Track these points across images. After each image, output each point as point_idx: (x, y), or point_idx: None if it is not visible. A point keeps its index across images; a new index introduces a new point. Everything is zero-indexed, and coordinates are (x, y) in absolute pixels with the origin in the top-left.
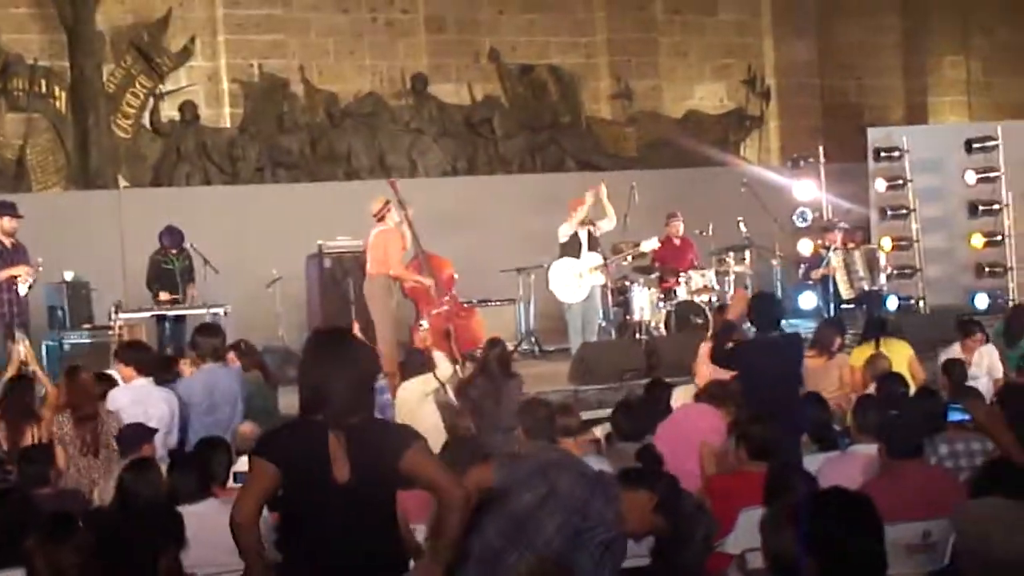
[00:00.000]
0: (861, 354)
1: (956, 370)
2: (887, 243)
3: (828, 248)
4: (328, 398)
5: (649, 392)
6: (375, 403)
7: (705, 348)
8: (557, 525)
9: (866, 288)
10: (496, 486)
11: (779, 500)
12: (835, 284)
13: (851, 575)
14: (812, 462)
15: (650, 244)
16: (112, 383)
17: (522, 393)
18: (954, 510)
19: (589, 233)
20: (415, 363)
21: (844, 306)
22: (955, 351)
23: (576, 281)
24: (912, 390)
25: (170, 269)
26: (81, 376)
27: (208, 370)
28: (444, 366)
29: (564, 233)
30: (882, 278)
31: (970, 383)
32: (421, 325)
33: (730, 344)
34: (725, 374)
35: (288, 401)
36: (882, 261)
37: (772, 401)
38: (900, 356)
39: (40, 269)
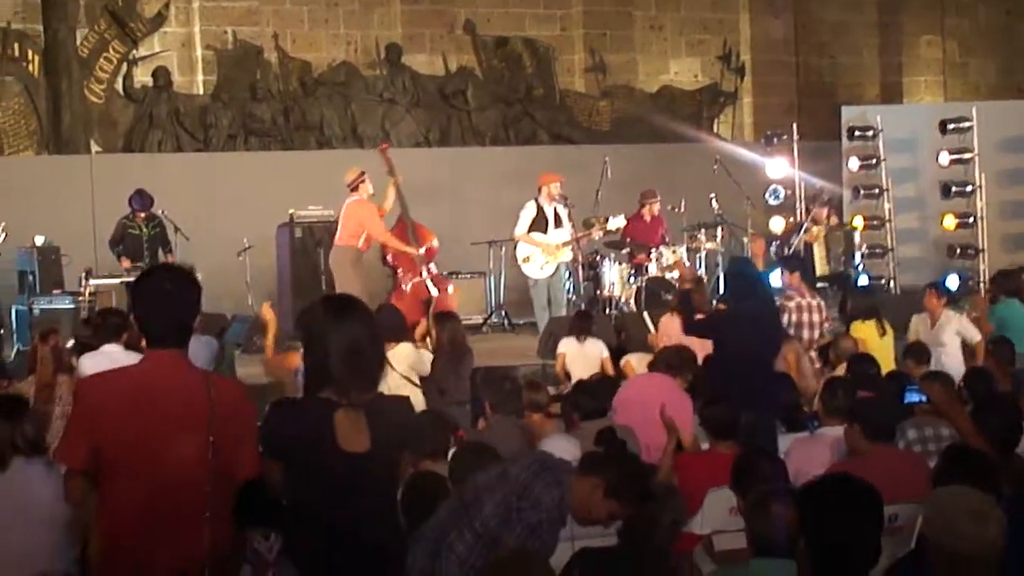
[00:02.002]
0: (860, 331)
1: (919, 352)
2: (859, 222)
3: (804, 224)
4: (345, 372)
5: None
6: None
7: (667, 321)
8: (495, 503)
9: (842, 268)
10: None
11: (746, 484)
12: (813, 259)
13: (845, 565)
14: (781, 443)
15: (617, 222)
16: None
17: (473, 367)
18: (924, 499)
19: (555, 211)
20: (391, 325)
21: (818, 284)
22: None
23: (543, 257)
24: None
25: (136, 234)
26: (49, 342)
27: None
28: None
29: (525, 218)
30: (857, 257)
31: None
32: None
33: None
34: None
35: (249, 371)
36: (856, 240)
37: (746, 373)
38: (891, 337)
39: (4, 235)
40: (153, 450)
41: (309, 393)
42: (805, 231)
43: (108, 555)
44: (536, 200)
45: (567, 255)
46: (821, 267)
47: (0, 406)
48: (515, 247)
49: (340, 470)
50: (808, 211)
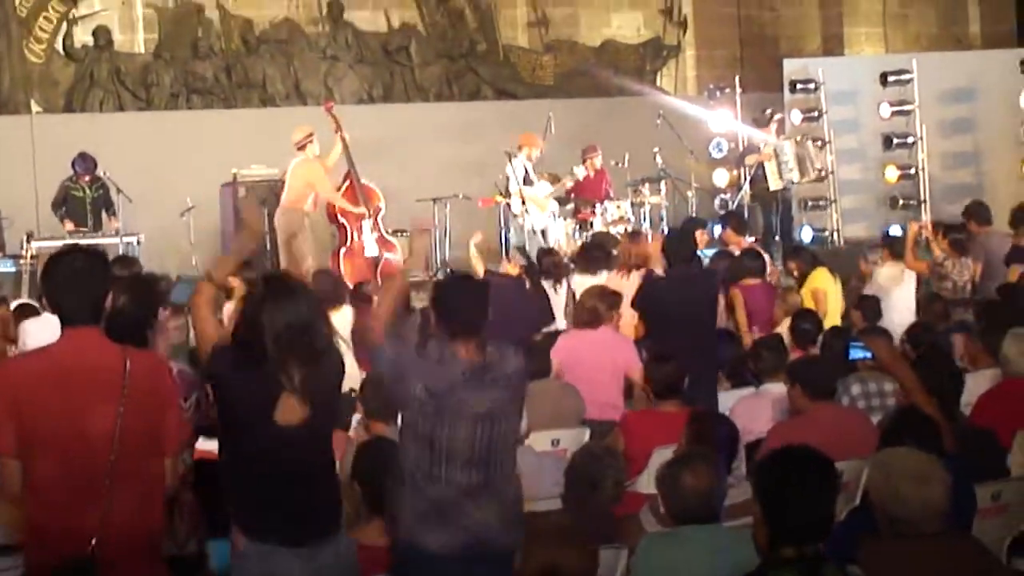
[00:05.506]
0: (818, 280)
1: (869, 306)
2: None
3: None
4: (282, 344)
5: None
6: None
7: (612, 277)
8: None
9: (795, 180)
10: None
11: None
12: (766, 176)
13: (800, 536)
14: (726, 399)
15: (581, 171)
16: (33, 312)
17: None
18: (869, 458)
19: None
20: (327, 291)
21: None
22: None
23: (536, 211)
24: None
25: (79, 197)
26: None
27: None
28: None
29: (516, 176)
30: (811, 175)
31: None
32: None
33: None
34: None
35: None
36: (812, 155)
37: (686, 338)
38: (838, 286)
39: None
40: (66, 426)
41: (247, 359)
42: (759, 151)
43: (33, 528)
44: (518, 157)
45: (555, 205)
46: (774, 182)
47: None
48: (508, 203)
49: (274, 442)
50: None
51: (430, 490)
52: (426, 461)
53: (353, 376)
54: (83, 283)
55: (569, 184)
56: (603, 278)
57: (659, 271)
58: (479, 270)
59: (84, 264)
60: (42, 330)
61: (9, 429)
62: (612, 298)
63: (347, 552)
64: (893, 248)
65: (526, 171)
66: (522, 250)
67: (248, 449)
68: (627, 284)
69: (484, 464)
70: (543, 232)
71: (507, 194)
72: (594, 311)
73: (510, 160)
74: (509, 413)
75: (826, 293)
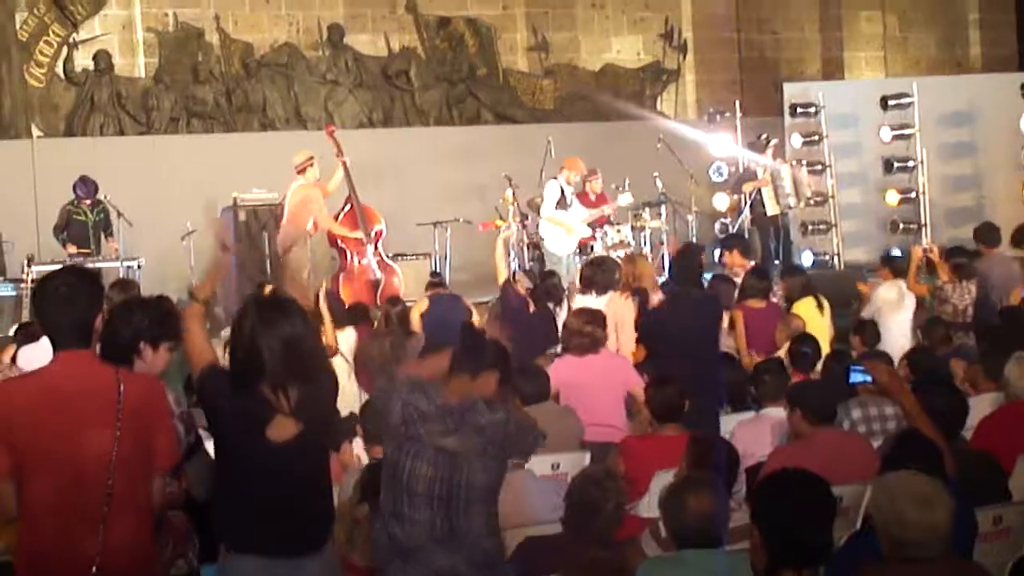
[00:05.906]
0: (800, 310)
1: (868, 331)
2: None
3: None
4: (276, 366)
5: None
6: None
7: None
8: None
9: (791, 205)
10: None
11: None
12: (763, 202)
13: (800, 558)
14: (725, 423)
15: (626, 199)
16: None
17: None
18: (871, 485)
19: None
20: (335, 313)
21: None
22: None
23: (565, 235)
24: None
25: (82, 220)
26: None
27: None
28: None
29: (551, 199)
30: (803, 199)
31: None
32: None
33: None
34: None
35: None
36: (804, 180)
37: (690, 362)
38: (826, 317)
39: None
40: (60, 449)
41: (240, 382)
42: (755, 178)
43: (27, 553)
44: (557, 180)
45: (586, 232)
46: (772, 207)
47: None
48: (537, 225)
49: (267, 458)
50: (748, 179)
51: (396, 528)
52: (392, 494)
53: (351, 395)
54: (69, 306)
55: (607, 211)
56: (605, 299)
57: (653, 293)
58: (501, 273)
59: (69, 287)
60: (39, 357)
61: (2, 452)
62: (600, 318)
63: (332, 563)
64: (894, 266)
65: (562, 193)
66: (528, 272)
67: (241, 463)
68: (630, 305)
69: (445, 509)
70: (569, 262)
71: (538, 212)
72: (592, 335)
73: (511, 183)
74: (475, 463)
75: (806, 324)
